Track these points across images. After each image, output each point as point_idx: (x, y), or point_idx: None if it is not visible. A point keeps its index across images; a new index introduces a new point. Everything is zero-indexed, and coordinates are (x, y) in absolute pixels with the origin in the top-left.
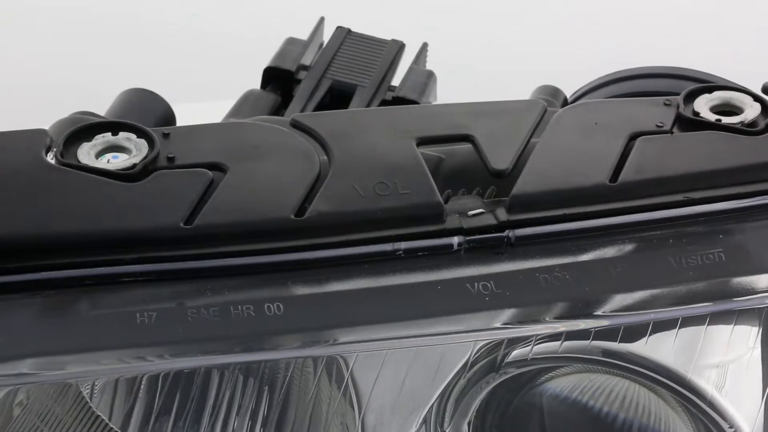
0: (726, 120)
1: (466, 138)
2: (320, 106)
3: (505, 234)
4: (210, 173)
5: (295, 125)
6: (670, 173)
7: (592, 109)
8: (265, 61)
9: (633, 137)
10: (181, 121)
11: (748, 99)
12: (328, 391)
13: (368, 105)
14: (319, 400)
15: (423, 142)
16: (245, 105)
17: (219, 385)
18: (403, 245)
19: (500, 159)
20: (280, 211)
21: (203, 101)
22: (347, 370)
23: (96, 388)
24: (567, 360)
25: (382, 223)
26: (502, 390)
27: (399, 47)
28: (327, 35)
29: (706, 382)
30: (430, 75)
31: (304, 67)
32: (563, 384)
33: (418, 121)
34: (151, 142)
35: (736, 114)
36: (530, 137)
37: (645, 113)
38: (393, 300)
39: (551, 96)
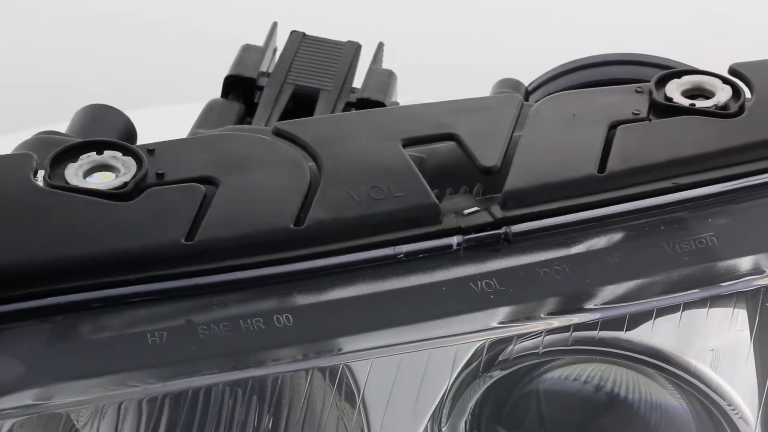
0: (700, 104)
1: (450, 137)
2: (284, 112)
3: (502, 231)
4: (202, 187)
5: (278, 134)
6: (656, 160)
7: (567, 100)
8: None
9: (612, 126)
10: (143, 127)
11: (718, 82)
12: (334, 398)
13: (333, 108)
14: (323, 407)
15: (409, 143)
16: (211, 115)
17: (210, 401)
18: (404, 248)
19: (488, 156)
20: (280, 222)
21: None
22: (352, 377)
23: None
24: (570, 352)
25: (381, 227)
26: (499, 385)
27: (356, 48)
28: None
29: (706, 366)
30: (391, 75)
31: (264, 74)
32: (560, 373)
33: (401, 123)
34: (138, 160)
35: (708, 98)
36: (513, 132)
37: (619, 102)
38: (402, 304)
39: (513, 89)
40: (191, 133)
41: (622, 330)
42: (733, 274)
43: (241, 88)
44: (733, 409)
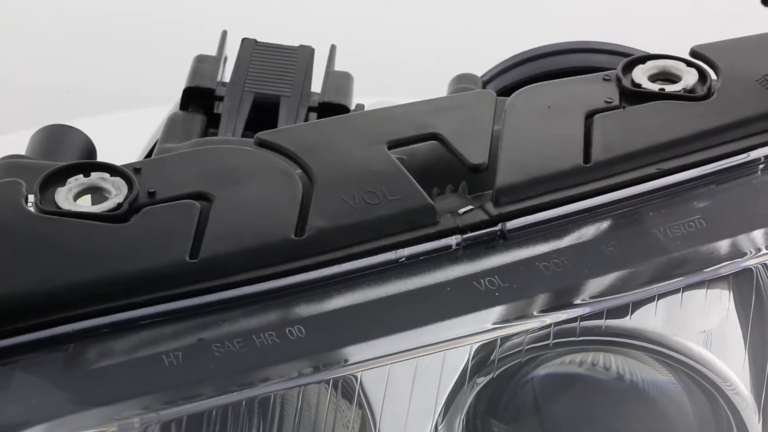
0: (668, 88)
1: (434, 137)
2: (248, 121)
3: (498, 228)
4: (197, 203)
5: (262, 144)
6: (637, 147)
7: (540, 93)
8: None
9: (589, 116)
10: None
11: (682, 65)
12: (337, 402)
13: (296, 114)
14: (317, 409)
15: (393, 145)
16: (176, 129)
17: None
18: (406, 251)
19: (474, 154)
20: (281, 233)
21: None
22: (359, 382)
23: None
24: (577, 342)
25: (381, 232)
26: (493, 380)
27: (309, 52)
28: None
29: (700, 346)
30: (348, 77)
31: (220, 84)
32: (554, 362)
33: (382, 125)
34: (128, 180)
35: (674, 81)
36: (493, 128)
37: (590, 91)
38: (411, 307)
39: (471, 83)
40: (160, 149)
41: (620, 317)
42: (727, 255)
43: (200, 100)
44: (729, 386)
